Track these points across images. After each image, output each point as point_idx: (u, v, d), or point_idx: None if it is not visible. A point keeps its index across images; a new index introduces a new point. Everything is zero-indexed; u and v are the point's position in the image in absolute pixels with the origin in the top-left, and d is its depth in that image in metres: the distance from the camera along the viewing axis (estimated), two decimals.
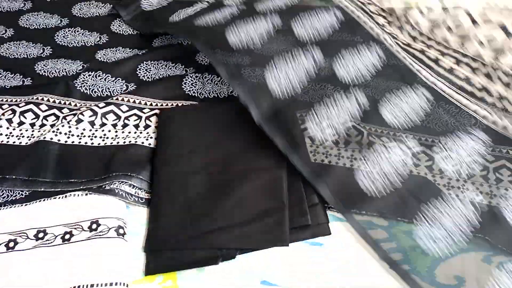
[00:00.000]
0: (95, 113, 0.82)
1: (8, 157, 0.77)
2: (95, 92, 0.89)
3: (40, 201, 0.70)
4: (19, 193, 0.72)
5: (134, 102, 0.85)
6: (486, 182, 0.73)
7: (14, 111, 0.83)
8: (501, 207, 0.70)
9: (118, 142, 0.79)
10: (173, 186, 0.71)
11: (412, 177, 0.73)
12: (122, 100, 0.85)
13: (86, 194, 0.70)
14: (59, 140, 0.78)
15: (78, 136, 0.79)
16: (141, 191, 0.72)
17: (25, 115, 0.83)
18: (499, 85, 0.84)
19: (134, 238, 0.68)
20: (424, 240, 0.67)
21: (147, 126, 0.82)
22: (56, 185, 0.72)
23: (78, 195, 0.70)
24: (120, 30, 1.04)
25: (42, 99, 0.86)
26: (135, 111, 0.84)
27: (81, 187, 0.72)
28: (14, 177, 0.72)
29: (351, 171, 0.74)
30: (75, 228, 0.66)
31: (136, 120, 0.83)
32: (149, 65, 0.93)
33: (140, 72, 0.92)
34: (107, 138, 0.80)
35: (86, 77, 0.91)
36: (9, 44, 1.01)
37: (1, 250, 0.64)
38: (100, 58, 0.96)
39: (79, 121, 0.81)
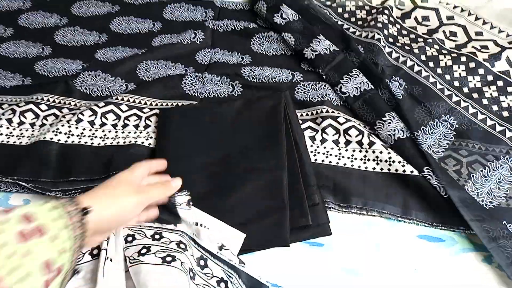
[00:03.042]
0: (94, 113, 0.82)
1: (9, 157, 0.77)
2: (94, 91, 0.89)
3: None
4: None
5: (134, 101, 0.85)
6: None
7: (14, 111, 0.83)
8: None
9: (118, 142, 0.79)
10: None
11: None
12: (122, 99, 0.85)
13: None
14: (59, 140, 0.78)
15: (78, 136, 0.79)
16: None
17: (25, 114, 0.83)
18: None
19: None
20: None
21: (147, 126, 0.82)
22: (57, 184, 0.72)
23: (76, 195, 0.70)
24: (119, 29, 1.04)
25: (42, 99, 0.86)
26: (135, 110, 0.84)
27: (81, 186, 0.72)
28: (15, 177, 0.72)
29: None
30: None
31: (136, 120, 0.82)
32: (148, 65, 0.93)
33: (139, 72, 0.92)
34: (107, 138, 0.80)
35: (86, 76, 0.91)
36: (8, 44, 1.01)
37: None
38: (99, 57, 0.96)
39: (78, 120, 0.81)
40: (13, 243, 0.38)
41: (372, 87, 0.84)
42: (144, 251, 0.57)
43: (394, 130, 0.77)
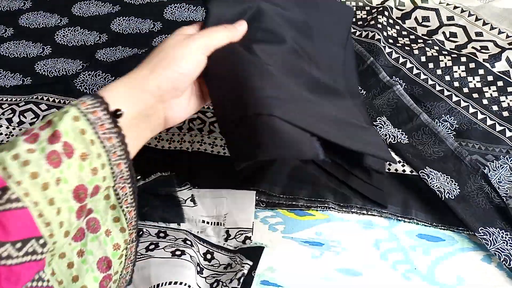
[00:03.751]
0: None
1: None
2: (94, 91, 0.88)
3: None
4: None
5: None
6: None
7: (14, 111, 0.83)
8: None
9: None
10: None
11: None
12: None
13: None
14: None
15: None
16: None
17: (25, 114, 0.83)
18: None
19: None
20: None
21: None
22: None
23: None
24: (119, 29, 1.04)
25: (42, 99, 0.86)
26: None
27: None
28: None
29: None
30: None
31: None
32: None
33: None
34: None
35: (86, 76, 0.91)
36: (8, 44, 1.01)
37: None
38: (100, 57, 0.96)
39: None
40: (44, 172, 0.33)
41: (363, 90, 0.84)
42: (152, 247, 0.58)
43: (386, 135, 0.77)
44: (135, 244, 0.47)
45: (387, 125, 0.78)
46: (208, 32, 0.47)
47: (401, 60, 0.92)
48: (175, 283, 0.54)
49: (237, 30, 0.49)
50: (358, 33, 0.99)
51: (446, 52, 0.94)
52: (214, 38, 0.46)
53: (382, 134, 0.77)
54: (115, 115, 0.39)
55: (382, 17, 0.99)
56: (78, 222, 0.37)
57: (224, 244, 0.63)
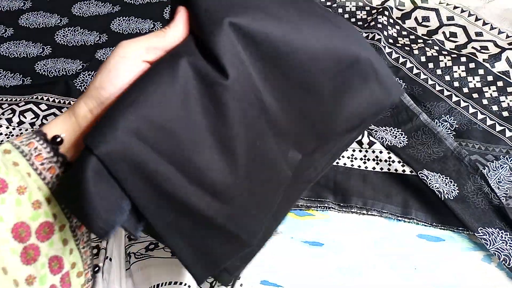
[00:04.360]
0: None
1: None
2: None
3: None
4: None
5: None
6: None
7: (13, 111, 0.83)
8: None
9: None
10: None
11: None
12: None
13: None
14: None
15: None
16: None
17: (24, 114, 0.83)
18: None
19: None
20: None
21: None
22: None
23: None
24: (119, 29, 1.04)
25: (42, 99, 0.86)
26: None
27: None
28: None
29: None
30: None
31: None
32: None
33: None
34: None
35: (86, 76, 0.91)
36: (9, 44, 1.01)
37: None
38: (99, 57, 0.96)
39: None
40: None
41: None
42: (152, 246, 0.58)
43: (382, 139, 0.77)
44: (91, 282, 0.40)
45: (382, 129, 0.78)
46: (142, 36, 0.36)
47: (401, 60, 0.92)
48: (175, 283, 0.54)
49: (165, 35, 0.36)
50: None
51: (446, 52, 0.94)
52: (144, 40, 0.36)
53: (378, 137, 0.77)
54: (55, 142, 0.34)
55: (382, 17, 0.99)
56: (29, 268, 0.32)
57: None
